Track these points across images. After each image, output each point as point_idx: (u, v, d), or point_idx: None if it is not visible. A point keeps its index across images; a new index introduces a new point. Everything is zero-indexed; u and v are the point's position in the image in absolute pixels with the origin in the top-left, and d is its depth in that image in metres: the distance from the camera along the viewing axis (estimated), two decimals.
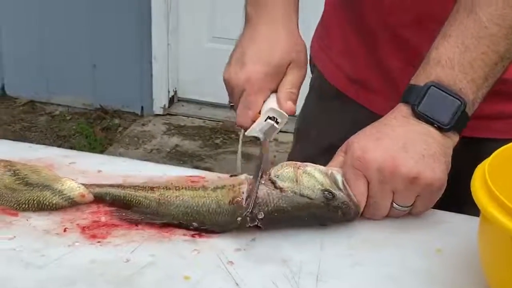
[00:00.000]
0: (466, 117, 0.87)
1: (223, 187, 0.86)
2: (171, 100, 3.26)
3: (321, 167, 0.87)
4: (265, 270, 0.78)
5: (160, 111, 3.22)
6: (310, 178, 0.85)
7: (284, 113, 0.98)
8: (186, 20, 3.16)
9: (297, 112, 1.25)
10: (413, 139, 0.85)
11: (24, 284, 0.76)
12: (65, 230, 0.84)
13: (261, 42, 1.02)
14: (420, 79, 0.88)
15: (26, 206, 0.87)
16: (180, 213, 0.85)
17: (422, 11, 1.00)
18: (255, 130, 0.98)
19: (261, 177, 0.87)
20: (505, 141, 0.77)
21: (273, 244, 0.82)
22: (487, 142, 1.01)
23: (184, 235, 0.84)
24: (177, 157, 2.94)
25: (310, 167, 0.87)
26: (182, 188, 0.87)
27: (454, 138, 0.88)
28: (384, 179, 0.84)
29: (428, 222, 0.88)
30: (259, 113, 0.99)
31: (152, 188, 0.88)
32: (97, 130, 3.12)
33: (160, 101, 3.21)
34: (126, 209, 0.87)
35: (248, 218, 0.83)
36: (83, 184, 0.89)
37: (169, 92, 3.24)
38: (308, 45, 1.23)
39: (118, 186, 0.89)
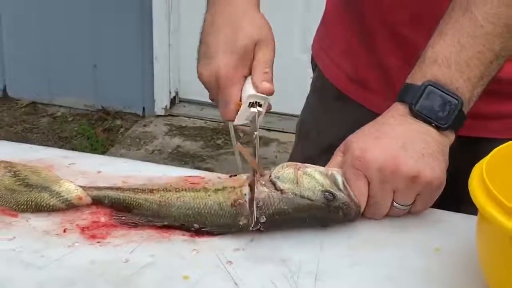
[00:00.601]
0: (463, 115, 0.87)
1: (224, 188, 0.86)
2: (173, 101, 3.26)
3: (321, 168, 0.88)
4: (264, 269, 0.78)
5: (162, 112, 3.22)
6: (310, 179, 0.86)
7: (264, 96, 0.96)
8: (187, 20, 3.16)
9: (298, 112, 1.26)
10: (412, 138, 0.86)
11: (24, 284, 0.76)
12: (65, 231, 0.84)
13: (221, 31, 1.00)
14: (416, 78, 0.88)
15: (25, 207, 0.87)
16: (181, 215, 0.85)
17: (420, 9, 1.00)
18: (241, 119, 0.97)
19: (258, 175, 0.87)
20: (502, 141, 0.77)
21: (272, 244, 0.82)
22: (485, 142, 1.02)
23: (183, 235, 0.84)
24: (178, 158, 2.94)
25: (310, 168, 0.87)
26: (183, 190, 0.87)
27: (451, 137, 0.88)
28: (385, 178, 0.84)
29: (426, 222, 0.88)
30: (240, 100, 0.97)
31: (151, 190, 0.88)
32: (99, 131, 3.13)
33: (161, 102, 3.22)
34: (126, 212, 0.87)
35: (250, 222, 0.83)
36: (82, 186, 0.89)
37: (170, 92, 3.24)
38: (309, 46, 1.24)
39: (117, 188, 0.89)
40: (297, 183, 0.85)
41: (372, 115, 1.00)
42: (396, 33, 1.05)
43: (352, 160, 0.86)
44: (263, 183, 0.86)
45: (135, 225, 0.85)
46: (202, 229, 0.84)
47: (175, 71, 3.22)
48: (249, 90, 0.97)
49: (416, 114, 0.87)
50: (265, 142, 3.01)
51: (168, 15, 3.11)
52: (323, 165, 0.89)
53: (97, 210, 0.88)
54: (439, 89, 0.87)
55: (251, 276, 0.77)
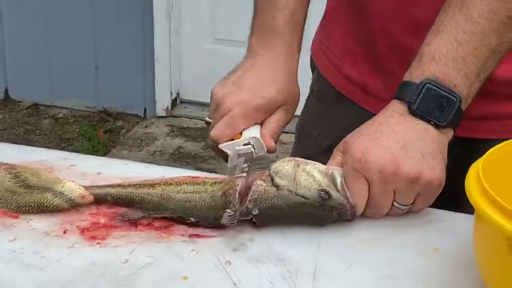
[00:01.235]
0: (461, 112, 0.88)
1: (221, 181, 0.87)
2: (174, 102, 3.27)
3: (322, 166, 0.88)
4: (263, 269, 0.79)
5: (163, 113, 3.23)
6: (308, 177, 0.86)
7: (265, 147, 1.00)
8: (188, 21, 3.17)
9: (299, 113, 1.26)
10: (411, 138, 0.86)
11: (24, 285, 0.76)
12: (65, 232, 0.84)
13: (261, 74, 1.04)
14: (414, 75, 0.89)
15: (26, 208, 0.87)
16: (179, 207, 0.86)
17: (420, 17, 1.00)
18: (231, 147, 1.00)
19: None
20: (499, 142, 0.78)
21: (270, 244, 0.83)
22: (482, 143, 1.02)
23: (183, 235, 0.84)
24: (180, 159, 2.95)
25: (310, 166, 0.87)
26: (184, 184, 0.88)
27: (449, 134, 0.89)
28: (385, 180, 0.85)
29: (424, 221, 0.89)
30: (239, 133, 1.01)
31: (153, 185, 0.88)
32: (100, 132, 3.13)
33: (162, 103, 3.22)
34: (128, 208, 0.88)
35: (239, 211, 0.84)
36: (83, 186, 0.89)
37: (171, 94, 3.25)
38: (309, 46, 1.25)
39: (118, 185, 0.90)
40: (294, 179, 0.86)
41: (370, 116, 1.00)
42: (396, 40, 1.05)
43: (352, 161, 0.86)
44: (263, 177, 0.86)
45: (135, 221, 0.86)
46: (198, 221, 0.85)
47: (176, 72, 3.23)
48: (255, 133, 1.01)
49: (415, 113, 0.87)
50: None
51: (169, 16, 3.12)
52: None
53: (97, 211, 0.88)
54: (437, 87, 0.87)
55: (250, 276, 0.78)
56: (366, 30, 1.09)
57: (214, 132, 1.01)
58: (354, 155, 0.86)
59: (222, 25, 3.07)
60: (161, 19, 3.10)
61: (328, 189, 0.85)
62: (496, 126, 1.04)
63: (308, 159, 0.91)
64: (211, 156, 2.93)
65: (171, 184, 0.88)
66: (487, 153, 0.75)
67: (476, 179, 0.72)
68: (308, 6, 1.10)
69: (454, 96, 0.87)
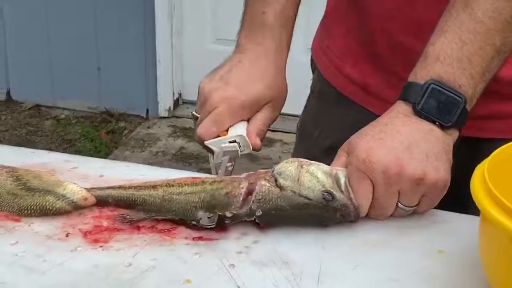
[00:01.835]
0: (466, 112, 0.87)
1: (220, 180, 0.87)
2: (176, 102, 3.27)
3: (326, 167, 0.87)
4: (267, 272, 0.78)
5: (165, 114, 3.22)
6: (312, 178, 0.86)
7: (250, 145, 1.01)
8: (190, 22, 3.16)
9: (299, 112, 1.26)
10: (416, 139, 0.85)
11: None
12: (67, 235, 0.84)
13: (249, 69, 1.04)
14: (418, 76, 0.88)
15: (28, 211, 0.87)
16: (181, 209, 0.86)
17: (420, 17, 1.00)
18: (217, 144, 1.00)
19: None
20: (504, 141, 0.77)
21: (274, 247, 0.82)
22: (486, 142, 1.02)
23: (186, 238, 0.84)
24: (182, 159, 2.94)
25: (314, 167, 0.87)
26: (185, 185, 0.87)
27: (455, 134, 0.88)
28: (390, 181, 0.84)
29: (429, 223, 0.88)
30: (226, 131, 1.01)
31: (154, 187, 0.88)
32: (103, 133, 3.13)
33: (165, 104, 3.22)
34: (129, 209, 0.88)
35: (244, 212, 0.84)
36: (85, 188, 0.89)
37: (173, 94, 3.24)
38: (309, 46, 1.24)
39: (119, 187, 0.90)
40: (298, 181, 0.85)
41: (374, 117, 1.00)
42: (396, 40, 1.04)
43: (356, 162, 0.85)
44: (267, 178, 0.86)
45: (136, 222, 0.86)
46: (199, 223, 0.85)
47: (178, 72, 3.22)
48: (241, 131, 1.01)
49: (420, 113, 0.87)
50: (268, 143, 3.01)
51: (170, 16, 3.12)
52: None
53: (99, 214, 0.88)
54: (442, 88, 0.86)
55: (254, 279, 0.77)
56: (367, 30, 1.08)
57: (200, 130, 1.02)
58: (359, 156, 0.85)
59: (223, 26, 3.07)
60: (163, 20, 3.10)
61: (331, 190, 0.85)
62: (500, 125, 1.04)
63: (310, 160, 0.91)
64: None
65: (172, 185, 0.88)
66: (493, 154, 0.74)
67: (482, 180, 0.71)
68: (299, 3, 1.10)
69: (459, 97, 0.86)
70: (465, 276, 0.79)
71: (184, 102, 3.30)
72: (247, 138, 1.01)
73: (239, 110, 1.02)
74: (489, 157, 0.74)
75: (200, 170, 2.78)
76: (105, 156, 2.95)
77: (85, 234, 0.84)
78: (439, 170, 0.85)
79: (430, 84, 0.86)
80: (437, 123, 0.86)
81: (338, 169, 0.88)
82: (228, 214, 0.84)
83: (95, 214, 0.88)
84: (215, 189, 0.86)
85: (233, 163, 0.99)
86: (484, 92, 0.89)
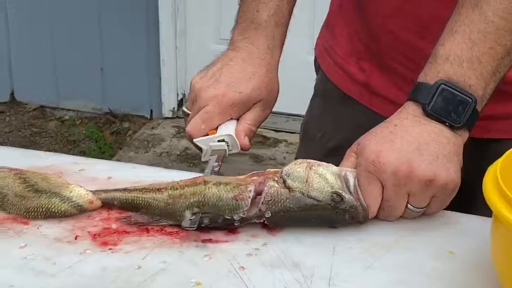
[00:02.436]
0: (476, 113, 0.87)
1: (227, 182, 0.86)
2: (180, 103, 3.26)
3: (334, 168, 0.87)
4: (277, 274, 0.78)
5: (169, 114, 3.22)
6: (320, 180, 0.85)
7: (239, 145, 1.01)
8: (193, 22, 3.16)
9: (303, 112, 1.26)
10: (426, 140, 0.85)
11: None
12: (76, 238, 0.84)
13: (240, 68, 1.04)
14: (428, 77, 0.88)
15: (35, 214, 0.87)
16: (184, 212, 0.85)
17: (424, 16, 1.00)
18: (205, 142, 1.01)
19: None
20: (511, 141, 0.77)
21: (284, 249, 0.82)
22: (492, 143, 1.01)
23: (195, 240, 0.83)
24: (187, 160, 2.94)
25: (323, 168, 0.86)
26: (186, 186, 0.87)
27: (465, 135, 0.88)
28: (399, 182, 0.84)
29: (439, 224, 0.88)
30: (215, 129, 1.01)
31: (159, 189, 0.88)
32: (107, 134, 3.13)
33: (169, 104, 3.22)
34: (135, 212, 0.87)
35: (254, 214, 0.84)
36: (90, 191, 0.89)
37: (177, 95, 3.24)
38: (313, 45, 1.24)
39: (124, 189, 0.89)
40: (307, 182, 0.85)
41: (375, 116, 0.99)
42: (400, 39, 1.04)
43: (366, 163, 0.85)
44: (276, 178, 0.86)
45: (142, 225, 0.86)
46: (210, 225, 0.84)
47: (182, 73, 3.22)
48: (231, 130, 1.01)
49: (430, 114, 0.86)
50: (273, 143, 3.00)
51: (174, 17, 3.11)
52: None
53: (108, 216, 0.88)
54: (452, 88, 0.86)
55: (264, 281, 0.77)
56: (370, 29, 1.08)
57: (190, 128, 1.02)
58: (368, 157, 0.85)
59: (227, 26, 3.05)
60: (166, 21, 3.10)
61: (340, 192, 0.84)
62: (507, 126, 1.04)
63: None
64: None
65: (176, 188, 0.87)
66: (505, 154, 0.74)
67: (494, 181, 0.71)
68: (295, 2, 1.09)
69: (469, 97, 0.86)
70: (475, 277, 0.78)
71: None
72: (235, 138, 1.01)
73: (229, 109, 1.02)
74: (502, 158, 0.73)
75: (204, 170, 2.77)
76: (110, 157, 2.94)
77: (94, 236, 0.84)
78: (449, 172, 0.84)
79: (440, 85, 0.86)
80: (447, 123, 0.86)
81: (347, 170, 0.87)
82: (236, 218, 0.84)
83: (103, 216, 0.88)
84: (222, 191, 0.85)
85: (220, 162, 0.99)
86: (496, 89, 0.88)
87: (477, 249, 0.82)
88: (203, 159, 1.01)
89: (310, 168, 0.87)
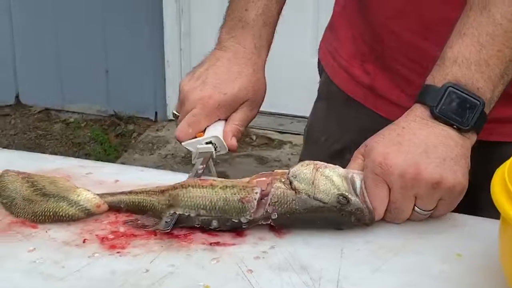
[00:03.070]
0: (484, 116, 0.87)
1: (232, 186, 0.87)
2: None
3: (341, 170, 0.87)
4: (285, 277, 0.78)
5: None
6: (327, 182, 0.85)
7: (226, 146, 1.02)
8: (198, 24, 3.16)
9: (308, 114, 1.26)
10: (434, 142, 0.85)
11: None
12: (84, 241, 0.84)
13: (226, 69, 1.04)
14: (436, 79, 0.88)
15: (43, 218, 0.87)
16: (190, 215, 0.85)
17: (428, 17, 1.00)
18: (193, 145, 1.02)
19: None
20: None
21: (292, 252, 0.82)
22: (497, 145, 1.01)
23: (203, 243, 0.84)
24: (192, 162, 2.94)
25: (329, 170, 0.86)
26: (189, 186, 0.87)
27: (473, 138, 0.87)
28: (406, 185, 0.84)
29: (447, 226, 0.88)
30: (202, 132, 1.02)
31: (162, 191, 0.88)
32: (112, 136, 3.13)
33: (174, 106, 3.21)
34: (142, 214, 0.88)
35: (260, 216, 0.84)
36: (97, 194, 0.89)
37: None
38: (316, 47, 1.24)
39: (130, 192, 0.90)
40: (313, 184, 0.85)
41: (380, 119, 0.99)
42: (403, 40, 1.04)
43: (373, 165, 0.85)
44: (282, 180, 0.86)
45: (149, 228, 0.86)
46: (218, 228, 0.85)
47: None
48: (218, 132, 1.02)
49: (437, 117, 0.86)
50: (278, 144, 3.00)
51: (178, 19, 3.12)
52: None
53: (116, 219, 0.88)
54: (460, 91, 0.86)
55: (272, 284, 0.77)
56: (374, 32, 1.08)
57: (178, 132, 1.03)
58: (375, 159, 0.85)
59: None
60: (171, 23, 3.10)
61: (346, 194, 0.84)
62: (510, 129, 1.03)
63: None
64: (223, 159, 2.92)
65: (176, 188, 0.87)
66: None
67: (502, 183, 0.70)
68: (284, 4, 1.09)
69: (477, 100, 0.86)
70: (484, 279, 0.78)
71: None
72: (222, 139, 1.02)
73: (215, 110, 1.03)
74: (510, 160, 0.73)
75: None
76: (115, 159, 2.95)
77: (102, 240, 0.84)
78: (456, 174, 0.84)
79: (448, 87, 0.86)
80: (455, 126, 0.86)
81: (354, 172, 0.87)
82: (243, 220, 0.84)
83: (111, 219, 0.88)
84: (228, 194, 0.86)
85: (204, 165, 0.99)
86: (504, 91, 0.88)
87: (485, 252, 0.81)
88: (193, 162, 1.02)
89: (317, 169, 0.87)
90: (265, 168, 2.77)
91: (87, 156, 2.99)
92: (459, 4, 0.90)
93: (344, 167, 0.89)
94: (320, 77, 1.23)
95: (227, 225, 0.85)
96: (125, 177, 0.97)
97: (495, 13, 0.86)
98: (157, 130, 3.19)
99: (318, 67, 1.24)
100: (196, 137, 1.02)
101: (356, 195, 0.85)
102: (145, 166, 2.75)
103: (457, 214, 0.90)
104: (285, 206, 0.84)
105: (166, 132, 3.17)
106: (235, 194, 0.85)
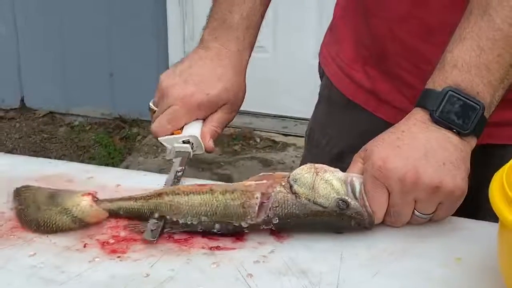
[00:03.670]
0: (484, 120, 0.87)
1: (232, 190, 0.87)
2: None
3: (340, 174, 0.87)
4: (285, 282, 0.78)
5: None
6: (326, 186, 0.85)
7: (203, 147, 1.02)
8: (201, 27, 3.16)
9: (308, 115, 1.26)
10: (433, 146, 0.85)
11: None
12: (85, 246, 0.84)
13: (208, 68, 1.05)
14: (436, 83, 0.88)
15: (44, 228, 0.86)
16: (192, 220, 0.86)
17: (430, 22, 0.99)
18: (170, 141, 1.02)
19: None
20: None
21: (292, 256, 0.82)
22: (497, 148, 1.01)
23: (203, 248, 0.84)
24: (196, 165, 2.94)
25: (329, 174, 0.87)
26: (191, 193, 0.87)
27: (472, 142, 0.87)
28: (406, 189, 0.84)
29: (446, 230, 0.88)
30: (180, 129, 1.03)
31: (160, 195, 0.88)
32: (116, 139, 3.14)
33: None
34: (142, 220, 0.88)
35: (262, 221, 0.84)
36: (96, 199, 0.88)
37: None
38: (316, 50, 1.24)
39: (129, 198, 0.89)
40: (313, 188, 0.85)
41: (381, 123, 0.99)
42: (406, 45, 1.04)
43: (372, 169, 0.85)
44: (283, 183, 0.86)
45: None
46: (220, 231, 0.85)
47: None
48: (196, 131, 1.02)
49: (437, 121, 0.86)
50: (282, 147, 3.00)
51: (182, 23, 3.12)
52: None
53: (116, 224, 0.88)
54: (460, 95, 0.86)
55: None
56: (376, 36, 1.08)
57: (155, 127, 1.04)
58: (375, 163, 0.85)
59: None
60: (175, 26, 3.11)
61: (346, 198, 0.85)
62: (510, 132, 1.03)
63: None
64: (227, 161, 2.93)
65: (178, 193, 0.87)
66: (511, 161, 0.74)
67: (500, 188, 0.71)
68: (268, 6, 1.10)
69: (477, 104, 0.86)
70: (483, 283, 0.78)
71: None
72: (200, 139, 1.02)
73: (195, 110, 1.03)
74: (508, 164, 0.73)
75: (213, 175, 2.78)
76: (119, 162, 2.95)
77: (103, 244, 0.84)
78: (455, 179, 0.84)
79: (448, 91, 0.86)
80: (454, 130, 0.86)
81: (354, 175, 0.87)
82: (244, 224, 0.85)
83: (112, 224, 0.88)
84: (229, 199, 0.86)
85: (183, 167, 0.99)
86: (504, 96, 0.88)
87: (484, 255, 0.81)
88: (167, 157, 1.03)
89: (317, 173, 0.87)
90: (269, 170, 2.77)
91: (92, 159, 3.00)
92: (462, 9, 0.91)
93: (344, 170, 0.89)
94: (321, 81, 1.23)
95: (229, 229, 0.85)
96: (127, 182, 0.98)
97: (495, 17, 0.86)
98: None
99: (319, 71, 1.24)
100: (173, 134, 1.02)
101: (356, 198, 0.85)
102: (149, 169, 2.76)
103: (456, 218, 0.90)
104: (286, 210, 0.85)
105: None
106: (235, 199, 0.86)
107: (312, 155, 1.23)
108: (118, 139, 3.15)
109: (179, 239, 0.85)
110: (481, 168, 0.90)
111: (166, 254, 0.83)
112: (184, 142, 1.02)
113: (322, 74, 1.22)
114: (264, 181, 0.88)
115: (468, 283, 0.79)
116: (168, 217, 0.86)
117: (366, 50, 1.11)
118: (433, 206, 0.85)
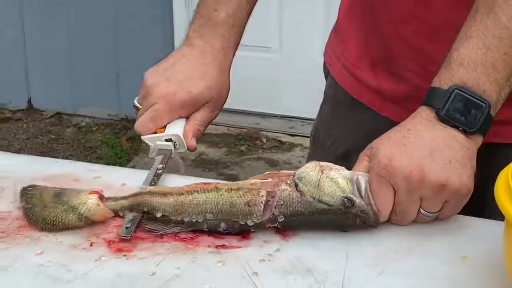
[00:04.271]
0: (490, 118, 0.87)
1: (238, 188, 0.87)
2: None
3: (346, 172, 0.87)
4: (290, 280, 0.78)
5: None
6: (332, 184, 0.86)
7: (186, 145, 1.02)
8: None
9: (315, 115, 1.25)
10: (439, 144, 0.85)
11: None
12: (91, 245, 0.84)
13: (192, 66, 1.05)
14: (442, 81, 0.88)
15: (51, 226, 0.87)
16: (197, 217, 0.86)
17: (434, 22, 0.99)
18: (153, 140, 1.03)
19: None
20: None
21: (297, 254, 0.82)
22: (502, 147, 1.01)
23: (209, 246, 0.84)
24: (202, 165, 2.95)
25: (334, 172, 0.87)
26: (195, 192, 0.87)
27: (479, 140, 0.87)
28: (412, 187, 0.84)
29: (452, 228, 0.88)
30: (163, 128, 1.03)
31: (165, 194, 0.88)
32: (123, 140, 3.15)
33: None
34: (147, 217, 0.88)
35: (267, 219, 0.84)
36: (101, 197, 0.89)
37: None
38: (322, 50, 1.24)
39: (134, 195, 0.89)
40: (318, 186, 0.85)
41: (386, 122, 0.99)
42: (411, 45, 1.04)
43: (378, 167, 0.85)
44: (288, 182, 0.86)
45: (155, 232, 0.86)
46: (227, 230, 0.85)
47: None
48: (178, 130, 1.02)
49: (443, 119, 0.86)
50: (289, 147, 3.01)
51: (189, 22, 3.12)
52: None
53: (122, 223, 0.88)
54: (466, 93, 0.86)
55: (277, 287, 0.77)
56: (381, 35, 1.08)
57: (138, 125, 1.04)
58: (380, 161, 0.85)
59: None
60: (181, 27, 3.11)
61: (351, 196, 0.85)
62: None
63: None
64: (233, 161, 2.93)
65: (182, 194, 0.88)
66: None
67: (506, 186, 0.71)
68: (254, 5, 1.10)
69: (483, 102, 0.86)
70: (489, 281, 0.78)
71: None
72: (182, 138, 1.02)
73: (178, 108, 1.03)
74: None
75: (220, 175, 2.79)
76: (126, 162, 2.96)
77: (109, 243, 0.85)
78: (461, 177, 0.84)
79: (454, 90, 0.86)
80: (460, 128, 0.86)
81: (359, 173, 0.87)
82: (250, 223, 0.85)
83: (118, 222, 0.88)
84: (234, 197, 0.86)
85: (164, 165, 0.99)
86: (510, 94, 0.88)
87: (490, 254, 0.81)
88: (150, 156, 1.03)
89: (322, 172, 0.87)
90: (276, 170, 2.78)
91: (99, 160, 3.00)
92: (466, 8, 0.91)
93: (350, 170, 0.89)
94: (326, 80, 1.23)
95: (235, 227, 0.85)
96: (132, 181, 0.98)
97: (501, 16, 0.86)
98: None
99: (323, 70, 1.24)
100: (156, 132, 1.03)
101: (361, 197, 0.85)
102: None
103: (462, 216, 0.89)
104: (291, 208, 0.85)
105: None
106: (241, 197, 0.86)
107: (317, 155, 1.23)
108: (125, 140, 3.15)
109: (185, 238, 0.85)
110: (487, 166, 0.90)
111: (172, 253, 0.83)
112: (166, 140, 1.02)
113: (327, 74, 1.22)
114: (270, 180, 0.88)
115: (474, 281, 0.79)
116: (173, 217, 0.86)
117: (371, 50, 1.11)
118: (439, 204, 0.85)
